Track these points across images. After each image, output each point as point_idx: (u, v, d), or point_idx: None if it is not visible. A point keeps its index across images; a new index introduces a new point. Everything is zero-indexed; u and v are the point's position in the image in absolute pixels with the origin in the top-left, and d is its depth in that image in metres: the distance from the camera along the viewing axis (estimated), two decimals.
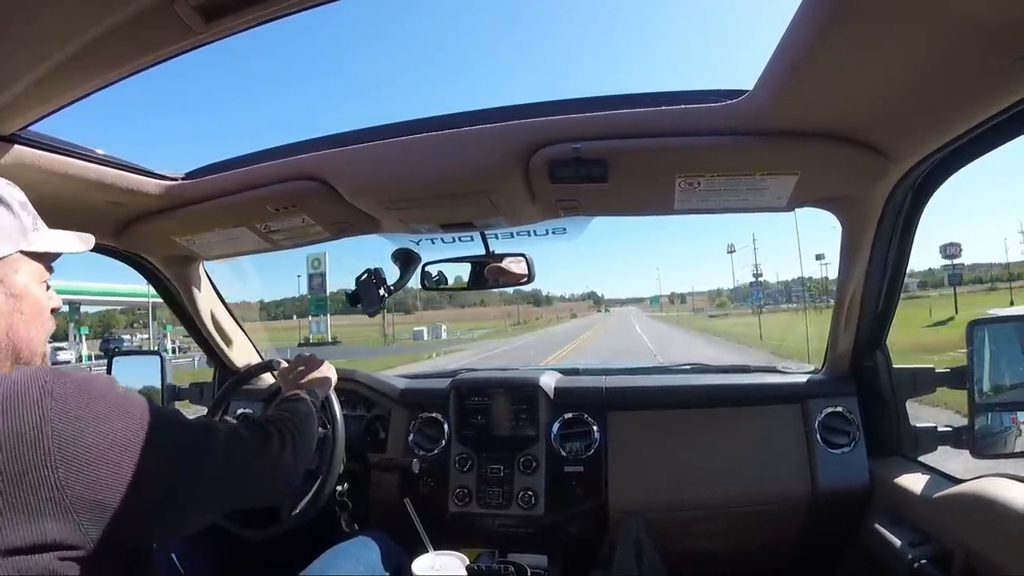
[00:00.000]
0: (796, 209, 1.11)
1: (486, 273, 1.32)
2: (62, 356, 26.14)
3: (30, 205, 0.66)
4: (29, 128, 0.79)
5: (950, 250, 31.88)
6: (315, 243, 1.34)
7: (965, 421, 0.99)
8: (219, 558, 1.25)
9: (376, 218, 1.18)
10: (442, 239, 1.30)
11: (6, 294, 0.62)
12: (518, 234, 1.28)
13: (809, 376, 1.37)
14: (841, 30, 0.61)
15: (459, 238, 1.29)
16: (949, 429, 1.10)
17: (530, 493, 1.31)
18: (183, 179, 1.10)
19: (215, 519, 0.79)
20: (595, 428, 1.34)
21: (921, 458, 1.15)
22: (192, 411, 1.18)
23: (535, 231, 1.27)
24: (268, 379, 1.58)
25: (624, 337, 25.55)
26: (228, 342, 1.61)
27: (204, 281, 1.51)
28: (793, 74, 0.71)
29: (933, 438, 1.13)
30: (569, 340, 25.39)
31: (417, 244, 1.32)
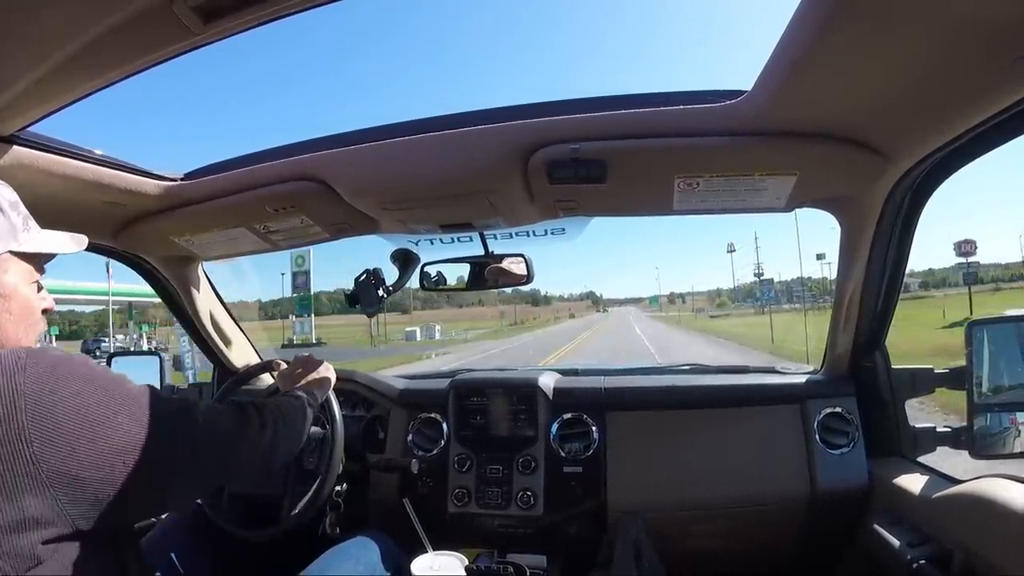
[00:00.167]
0: (795, 209, 1.11)
1: (486, 274, 1.32)
2: None
3: (22, 205, 0.66)
4: (28, 129, 0.79)
5: (964, 247, 29.70)
6: (314, 243, 1.34)
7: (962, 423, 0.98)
8: (219, 558, 1.24)
9: (375, 218, 1.18)
10: (441, 239, 1.30)
11: None
12: (517, 234, 1.28)
13: (808, 376, 1.37)
14: (840, 30, 0.61)
15: (458, 238, 1.29)
16: (948, 430, 1.10)
17: (529, 493, 1.31)
18: (182, 179, 1.10)
19: (198, 498, 0.79)
20: (594, 428, 1.34)
21: (920, 458, 1.15)
22: None
23: (534, 231, 1.27)
24: (268, 379, 1.58)
25: (623, 338, 25.38)
26: (227, 342, 1.62)
27: (203, 281, 1.51)
28: (792, 74, 0.71)
29: (932, 438, 1.13)
30: (568, 340, 25.23)
31: (416, 244, 1.32)
